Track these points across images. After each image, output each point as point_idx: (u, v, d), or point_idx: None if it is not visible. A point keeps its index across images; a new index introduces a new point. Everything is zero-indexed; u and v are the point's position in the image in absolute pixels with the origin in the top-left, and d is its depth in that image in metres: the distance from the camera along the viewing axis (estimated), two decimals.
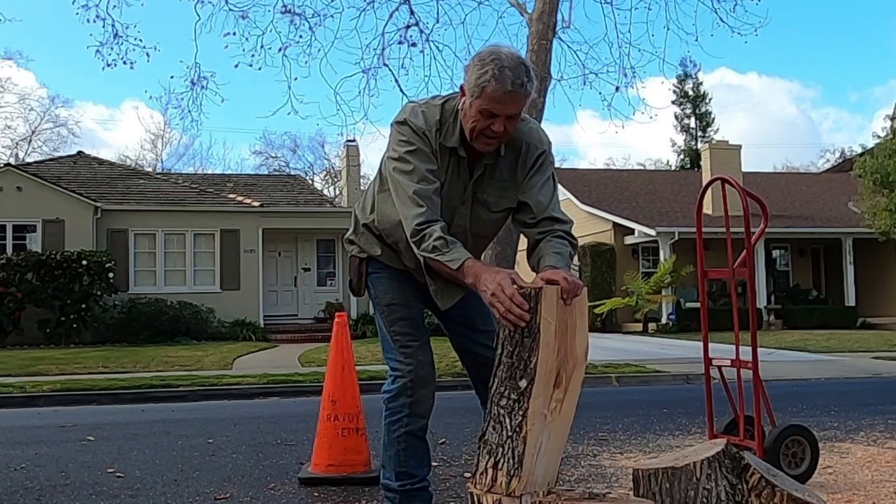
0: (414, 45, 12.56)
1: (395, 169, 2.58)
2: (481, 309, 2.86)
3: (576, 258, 23.01)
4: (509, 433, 2.17)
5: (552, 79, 11.25)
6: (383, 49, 12.44)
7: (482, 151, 2.59)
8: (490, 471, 2.20)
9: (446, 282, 2.59)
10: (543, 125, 11.41)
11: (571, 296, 2.26)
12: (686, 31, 33.89)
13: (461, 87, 2.55)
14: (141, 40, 13.04)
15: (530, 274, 2.51)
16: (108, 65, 12.76)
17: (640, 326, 21.30)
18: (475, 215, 2.71)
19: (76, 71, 63.11)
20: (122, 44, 12.56)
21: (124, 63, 12.75)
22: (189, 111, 13.59)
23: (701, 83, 43.82)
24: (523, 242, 2.93)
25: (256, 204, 21.15)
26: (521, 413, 2.16)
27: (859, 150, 30.07)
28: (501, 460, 2.18)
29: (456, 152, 2.61)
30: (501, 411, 2.20)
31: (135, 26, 15.16)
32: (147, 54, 13.10)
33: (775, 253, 24.96)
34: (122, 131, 65.26)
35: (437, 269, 2.50)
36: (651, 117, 25.91)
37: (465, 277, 2.37)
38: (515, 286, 2.22)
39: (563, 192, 25.56)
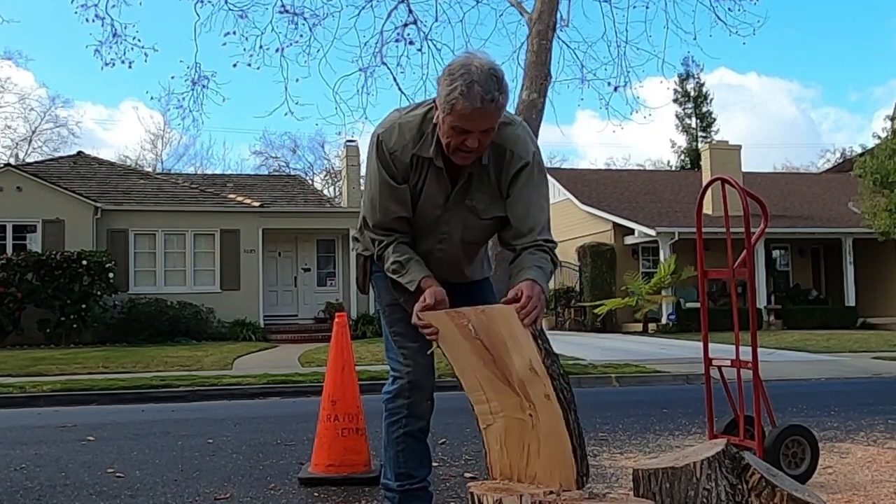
0: (412, 43, 12.56)
1: (364, 194, 2.74)
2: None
3: (576, 258, 23.07)
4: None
5: (552, 78, 11.24)
6: (381, 47, 12.44)
7: (461, 165, 2.55)
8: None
9: (413, 295, 2.62)
10: (543, 125, 11.36)
11: (529, 317, 2.34)
12: (685, 30, 33.94)
13: (434, 101, 2.50)
14: (140, 40, 13.04)
15: None
16: (107, 64, 12.77)
17: (640, 326, 21.30)
18: (466, 222, 2.67)
19: (75, 71, 63.19)
20: (120, 43, 12.57)
21: (123, 62, 12.76)
22: (191, 111, 13.62)
23: (703, 83, 43.85)
24: None
25: (256, 204, 21.16)
26: (474, 413, 2.46)
27: (859, 151, 30.08)
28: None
29: (433, 163, 2.56)
30: None
31: (133, 26, 15.18)
32: (145, 54, 13.12)
33: (775, 253, 24.96)
34: (121, 131, 65.30)
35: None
36: (645, 117, 25.89)
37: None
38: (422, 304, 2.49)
39: (563, 192, 25.61)
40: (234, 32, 12.61)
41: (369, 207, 2.66)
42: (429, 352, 2.58)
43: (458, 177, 2.59)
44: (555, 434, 2.33)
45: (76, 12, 12.33)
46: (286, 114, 28.87)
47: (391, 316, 2.81)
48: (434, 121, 2.52)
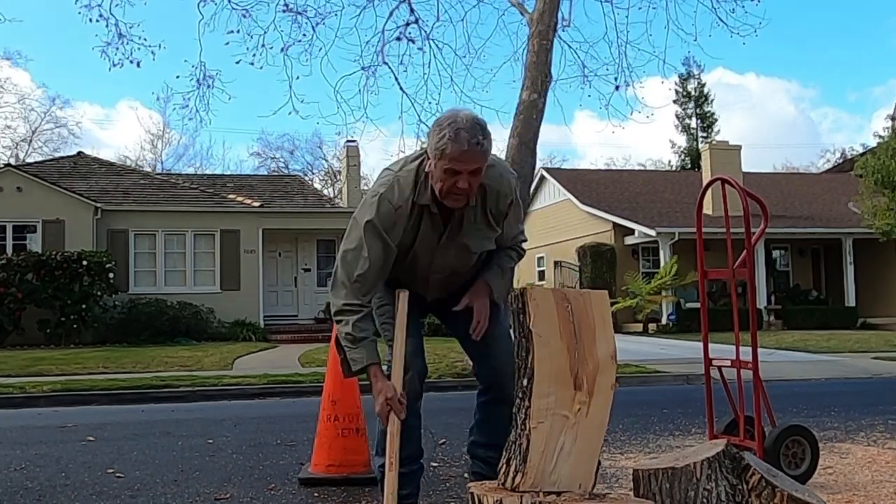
0: (413, 41, 12.54)
1: (345, 248, 2.85)
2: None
3: (576, 258, 23.07)
4: (518, 431, 2.29)
5: (552, 79, 11.22)
6: (383, 46, 12.44)
7: (453, 208, 2.80)
8: (504, 466, 2.31)
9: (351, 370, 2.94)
10: (544, 125, 11.33)
11: (479, 328, 2.88)
12: (685, 31, 33.77)
13: (425, 152, 2.78)
14: (145, 39, 13.00)
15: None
16: (115, 64, 12.73)
17: (640, 327, 21.30)
18: (459, 257, 2.95)
19: (71, 70, 62.90)
20: (126, 43, 12.54)
21: (130, 62, 12.72)
22: (197, 110, 13.56)
23: (704, 84, 43.82)
24: None
25: (256, 204, 21.15)
26: (524, 411, 2.27)
27: (860, 150, 30.09)
28: (512, 457, 2.29)
29: (429, 209, 2.83)
30: (515, 410, 2.33)
31: (138, 25, 15.13)
32: (152, 53, 13.09)
33: (775, 253, 24.96)
34: (119, 131, 65.10)
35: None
36: (648, 116, 25.66)
37: (369, 378, 2.80)
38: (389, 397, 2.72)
39: (563, 193, 25.64)
40: (238, 31, 12.59)
41: (351, 259, 2.83)
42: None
43: (449, 220, 2.87)
44: (598, 427, 2.37)
45: (79, 12, 12.34)
46: (290, 113, 29.08)
47: (381, 318, 3.08)
48: (427, 170, 2.78)
